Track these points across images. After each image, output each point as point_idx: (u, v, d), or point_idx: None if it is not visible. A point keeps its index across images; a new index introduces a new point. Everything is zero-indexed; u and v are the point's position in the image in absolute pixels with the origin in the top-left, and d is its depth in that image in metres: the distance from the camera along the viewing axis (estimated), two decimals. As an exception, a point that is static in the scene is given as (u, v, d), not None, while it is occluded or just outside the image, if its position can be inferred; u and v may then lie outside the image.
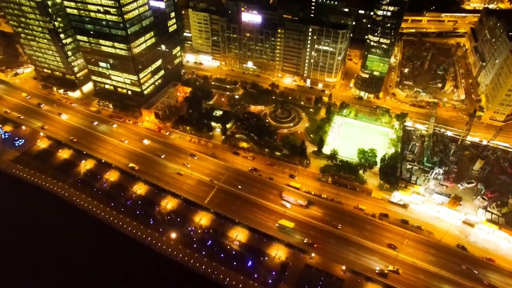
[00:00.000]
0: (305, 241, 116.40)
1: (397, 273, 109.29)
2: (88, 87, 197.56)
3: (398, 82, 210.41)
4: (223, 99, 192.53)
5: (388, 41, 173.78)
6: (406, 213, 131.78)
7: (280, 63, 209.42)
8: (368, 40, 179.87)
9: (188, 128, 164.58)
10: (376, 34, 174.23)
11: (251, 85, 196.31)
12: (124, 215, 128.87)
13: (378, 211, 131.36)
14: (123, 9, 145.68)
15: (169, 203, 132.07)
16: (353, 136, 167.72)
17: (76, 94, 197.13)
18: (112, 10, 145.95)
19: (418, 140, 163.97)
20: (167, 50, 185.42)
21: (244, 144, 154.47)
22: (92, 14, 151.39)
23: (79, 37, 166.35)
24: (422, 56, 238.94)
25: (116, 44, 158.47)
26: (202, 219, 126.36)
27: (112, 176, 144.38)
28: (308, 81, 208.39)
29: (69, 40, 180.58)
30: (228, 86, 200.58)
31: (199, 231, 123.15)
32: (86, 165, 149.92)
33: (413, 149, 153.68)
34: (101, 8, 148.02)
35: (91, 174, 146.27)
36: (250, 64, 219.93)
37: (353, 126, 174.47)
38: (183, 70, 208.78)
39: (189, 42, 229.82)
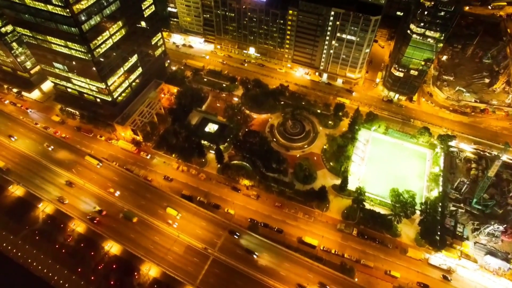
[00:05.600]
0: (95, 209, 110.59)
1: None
2: (49, 84, 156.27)
3: (436, 77, 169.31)
4: (218, 104, 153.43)
5: (437, 35, 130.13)
6: (451, 281, 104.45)
7: (290, 51, 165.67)
8: (408, 31, 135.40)
9: (173, 155, 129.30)
10: (422, 24, 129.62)
11: (253, 83, 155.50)
12: (95, 287, 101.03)
13: (415, 279, 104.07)
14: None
15: (151, 269, 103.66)
16: (382, 158, 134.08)
17: (35, 94, 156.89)
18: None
19: (463, 168, 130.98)
20: (144, 40, 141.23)
21: (246, 182, 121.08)
22: (27, 1, 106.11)
23: (19, 29, 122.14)
24: (463, 35, 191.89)
25: (70, 44, 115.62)
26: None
27: (79, 225, 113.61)
28: (325, 75, 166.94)
29: (9, 28, 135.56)
30: (224, 84, 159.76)
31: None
32: (45, 208, 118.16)
33: (460, 187, 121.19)
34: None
35: (52, 222, 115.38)
36: (252, 51, 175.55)
37: (382, 143, 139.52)
38: (168, 61, 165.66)
39: (175, 20, 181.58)
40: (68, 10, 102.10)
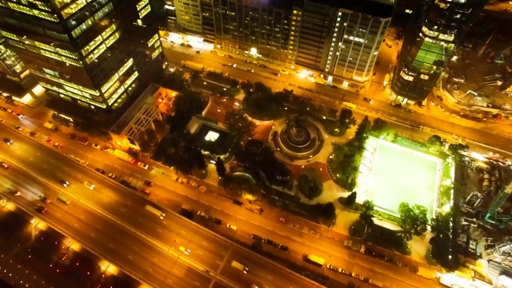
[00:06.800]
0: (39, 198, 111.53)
1: None
2: (41, 88, 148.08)
3: (446, 79, 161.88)
4: (219, 110, 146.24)
5: (451, 38, 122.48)
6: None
7: (294, 53, 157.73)
8: (420, 34, 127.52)
9: (172, 167, 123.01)
10: (435, 27, 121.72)
11: (256, 86, 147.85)
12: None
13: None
14: (57, 0, 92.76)
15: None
16: (390, 168, 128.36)
17: (26, 99, 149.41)
18: (38, 3, 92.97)
19: (475, 179, 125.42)
20: (140, 42, 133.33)
21: (249, 196, 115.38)
22: (11, 4, 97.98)
23: (4, 33, 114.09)
24: (474, 33, 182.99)
25: (59, 50, 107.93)
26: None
27: (74, 242, 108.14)
28: (330, 78, 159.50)
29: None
30: (225, 88, 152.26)
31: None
32: (38, 224, 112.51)
33: (473, 200, 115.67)
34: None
35: (45, 239, 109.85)
36: (253, 51, 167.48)
37: (390, 152, 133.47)
38: (166, 63, 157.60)
39: (173, 18, 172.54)
40: (56, 16, 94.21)
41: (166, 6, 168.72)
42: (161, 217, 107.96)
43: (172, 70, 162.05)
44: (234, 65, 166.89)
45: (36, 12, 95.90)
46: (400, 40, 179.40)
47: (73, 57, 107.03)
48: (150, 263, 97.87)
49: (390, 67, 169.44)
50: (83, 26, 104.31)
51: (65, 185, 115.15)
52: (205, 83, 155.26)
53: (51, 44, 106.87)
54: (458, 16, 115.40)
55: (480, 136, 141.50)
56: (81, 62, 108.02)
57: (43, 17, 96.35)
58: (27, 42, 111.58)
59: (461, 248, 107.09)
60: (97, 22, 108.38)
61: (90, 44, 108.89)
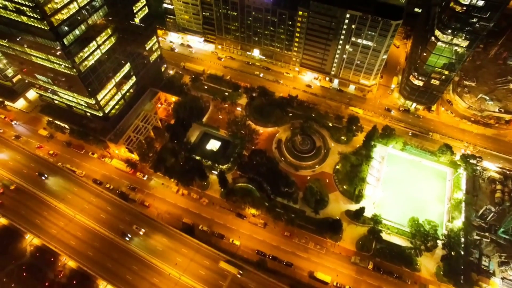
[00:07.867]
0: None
1: None
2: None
3: (457, 82, 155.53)
4: (220, 116, 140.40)
5: (466, 43, 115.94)
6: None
7: (298, 55, 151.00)
8: (433, 37, 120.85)
9: (172, 180, 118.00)
10: (449, 31, 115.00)
11: (259, 91, 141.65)
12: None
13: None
14: (46, 7, 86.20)
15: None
16: (398, 178, 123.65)
17: (19, 104, 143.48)
18: (26, 9, 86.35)
19: (487, 190, 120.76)
20: (137, 46, 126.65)
21: (253, 211, 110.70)
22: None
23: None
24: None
25: (52, 58, 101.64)
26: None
27: (70, 259, 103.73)
28: (336, 81, 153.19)
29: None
30: (227, 92, 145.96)
31: None
32: (33, 239, 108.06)
33: (485, 215, 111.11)
34: (8, 4, 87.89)
35: (41, 255, 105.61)
36: (256, 53, 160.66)
37: (399, 160, 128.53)
38: (165, 65, 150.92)
39: (172, 17, 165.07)
40: (46, 22, 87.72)
41: (165, 5, 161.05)
42: (238, 275, 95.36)
43: (171, 72, 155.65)
44: (261, 75, 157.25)
45: (24, 18, 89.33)
46: (408, 40, 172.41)
47: (66, 64, 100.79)
48: (150, 283, 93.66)
49: (398, 69, 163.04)
50: (76, 32, 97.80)
51: (127, 238, 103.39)
52: (205, 87, 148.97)
53: (43, 52, 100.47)
54: (475, 20, 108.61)
55: (492, 143, 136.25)
56: (74, 70, 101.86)
57: (31, 23, 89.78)
58: (18, 48, 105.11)
59: (473, 265, 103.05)
60: (91, 27, 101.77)
61: (84, 50, 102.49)
